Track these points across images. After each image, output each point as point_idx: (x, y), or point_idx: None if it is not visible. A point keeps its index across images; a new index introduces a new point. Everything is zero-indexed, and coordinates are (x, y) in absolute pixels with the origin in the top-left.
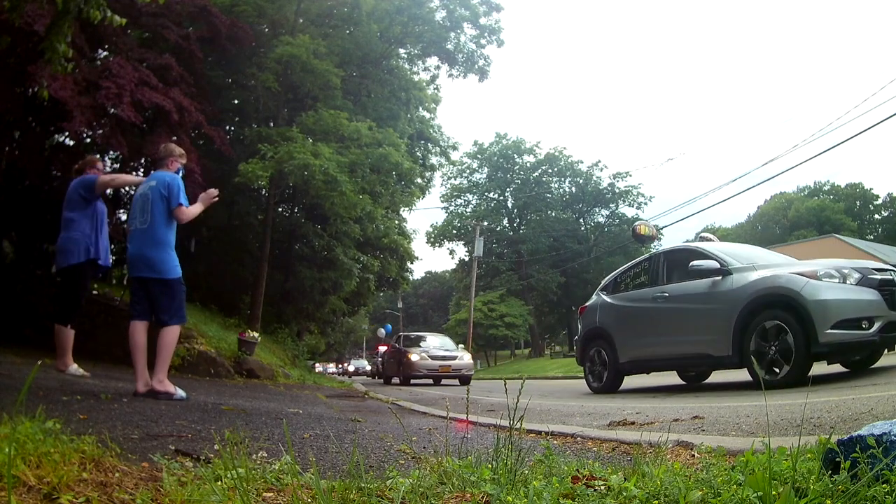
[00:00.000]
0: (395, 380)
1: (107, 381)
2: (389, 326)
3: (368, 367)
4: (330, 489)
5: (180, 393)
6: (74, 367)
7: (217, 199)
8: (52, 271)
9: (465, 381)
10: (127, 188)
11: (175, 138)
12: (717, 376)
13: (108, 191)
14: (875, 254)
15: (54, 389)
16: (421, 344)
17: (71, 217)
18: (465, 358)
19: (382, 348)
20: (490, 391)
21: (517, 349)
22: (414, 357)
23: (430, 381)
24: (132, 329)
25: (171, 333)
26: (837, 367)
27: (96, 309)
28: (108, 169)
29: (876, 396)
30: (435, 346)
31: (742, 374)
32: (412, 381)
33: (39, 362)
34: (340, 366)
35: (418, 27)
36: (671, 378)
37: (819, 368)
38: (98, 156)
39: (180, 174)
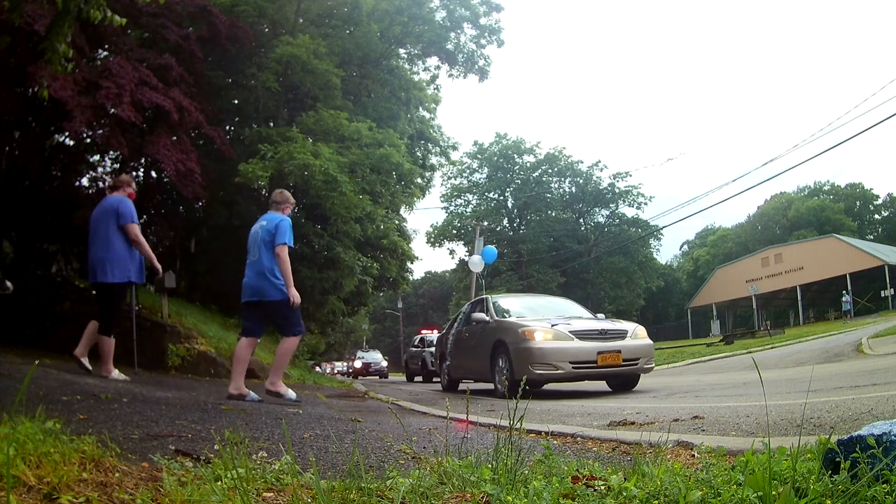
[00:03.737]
0: (490, 385)
1: (107, 381)
2: (493, 251)
3: (384, 364)
4: (330, 489)
5: (291, 394)
6: (116, 373)
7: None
8: (86, 282)
9: (630, 381)
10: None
11: (175, 138)
12: (717, 378)
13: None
14: (875, 254)
15: (54, 389)
16: (531, 314)
17: (108, 233)
18: (638, 335)
19: (428, 333)
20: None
21: None
22: (538, 337)
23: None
24: (239, 344)
25: (287, 343)
26: (837, 368)
27: (96, 309)
28: (108, 169)
29: (876, 396)
30: (562, 315)
31: (742, 375)
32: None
33: (37, 362)
34: (346, 364)
35: (418, 27)
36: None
37: (819, 369)
38: (131, 178)
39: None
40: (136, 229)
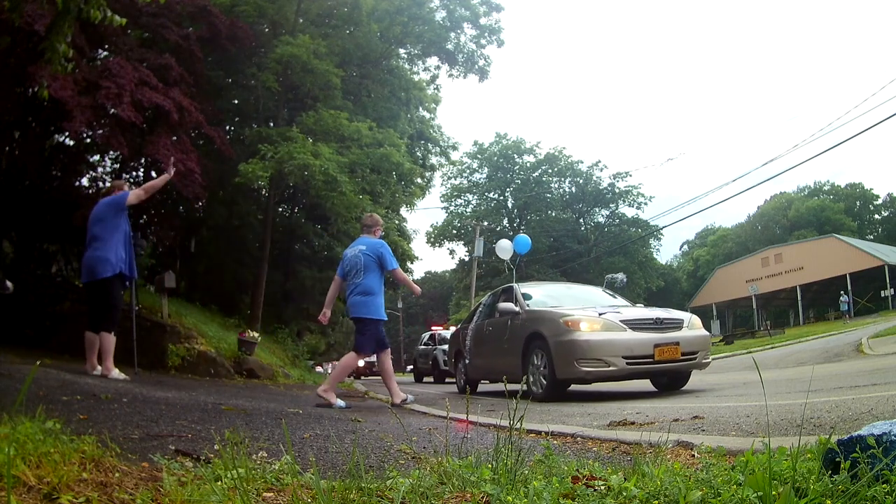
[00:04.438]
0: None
1: (107, 381)
2: (527, 241)
3: None
4: (330, 489)
5: (340, 403)
6: (116, 372)
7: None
8: (80, 283)
9: (680, 379)
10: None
11: (175, 138)
12: (717, 378)
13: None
14: (875, 254)
15: (54, 389)
16: (567, 303)
17: (100, 234)
18: (694, 325)
19: (440, 329)
20: (489, 391)
21: None
22: (584, 327)
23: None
24: (383, 358)
25: (348, 357)
26: (837, 368)
27: None
28: (108, 169)
29: (876, 396)
30: (602, 304)
31: (742, 375)
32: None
33: (38, 363)
34: None
35: (418, 27)
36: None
37: (819, 369)
38: (124, 180)
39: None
40: (137, 192)
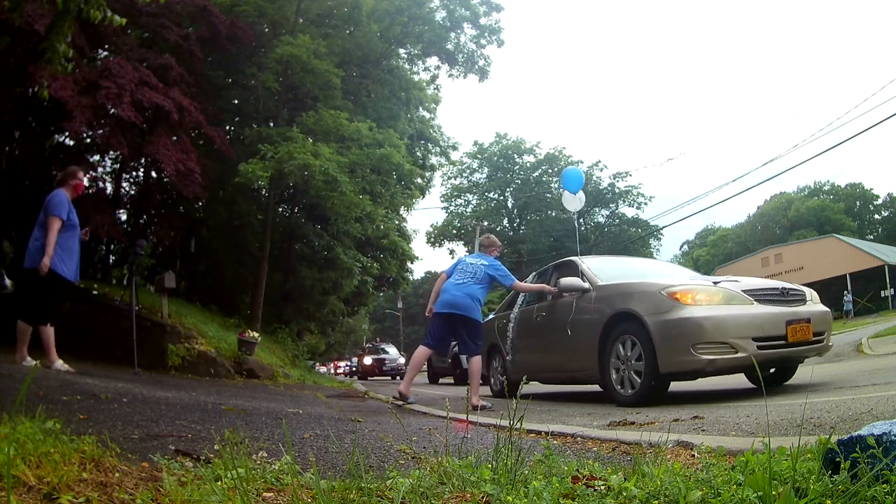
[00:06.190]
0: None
1: (107, 381)
2: (579, 174)
3: (401, 361)
4: (330, 489)
5: (486, 404)
6: (28, 360)
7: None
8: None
9: (790, 369)
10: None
11: (175, 138)
12: (716, 378)
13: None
14: (875, 254)
15: (54, 389)
16: (643, 278)
17: (37, 225)
18: (816, 299)
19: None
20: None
21: None
22: (701, 299)
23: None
24: (420, 351)
25: (477, 362)
26: (837, 368)
27: (96, 309)
28: (108, 169)
29: (876, 396)
30: (676, 273)
31: (743, 376)
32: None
33: (37, 363)
34: (349, 362)
35: (418, 27)
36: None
37: (819, 369)
38: (78, 168)
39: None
40: (52, 222)
